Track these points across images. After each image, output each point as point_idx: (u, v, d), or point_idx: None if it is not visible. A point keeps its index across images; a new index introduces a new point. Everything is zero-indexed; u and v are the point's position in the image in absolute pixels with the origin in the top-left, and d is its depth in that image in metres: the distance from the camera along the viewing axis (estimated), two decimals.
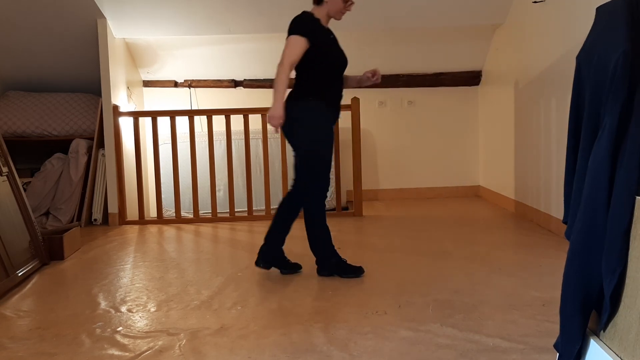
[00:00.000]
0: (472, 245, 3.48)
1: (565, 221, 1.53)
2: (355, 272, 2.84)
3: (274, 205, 3.73)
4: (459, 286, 2.60)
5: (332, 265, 2.86)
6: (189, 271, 3.08)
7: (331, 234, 2.93)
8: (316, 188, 2.80)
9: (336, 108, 2.86)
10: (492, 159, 5.34)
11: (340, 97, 2.89)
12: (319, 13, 2.80)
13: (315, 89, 2.76)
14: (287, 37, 2.73)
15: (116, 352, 1.97)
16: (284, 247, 2.95)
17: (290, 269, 2.93)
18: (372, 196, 5.74)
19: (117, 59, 4.81)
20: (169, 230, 4.38)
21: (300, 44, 2.68)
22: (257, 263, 2.91)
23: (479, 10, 4.64)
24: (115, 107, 4.65)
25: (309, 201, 2.83)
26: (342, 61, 2.87)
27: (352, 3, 2.82)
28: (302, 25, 2.73)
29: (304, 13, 2.80)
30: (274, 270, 2.95)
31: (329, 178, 2.86)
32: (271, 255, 2.91)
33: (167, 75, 5.53)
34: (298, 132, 2.78)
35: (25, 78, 5.09)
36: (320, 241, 2.89)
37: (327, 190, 2.84)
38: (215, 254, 3.51)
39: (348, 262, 2.90)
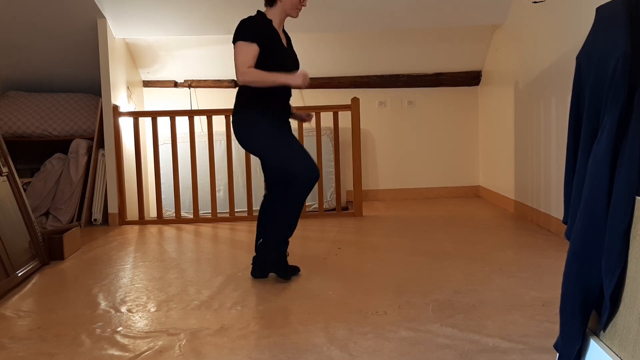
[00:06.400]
0: (472, 245, 3.48)
1: (565, 221, 1.53)
2: (293, 271, 2.80)
3: None
4: (459, 286, 2.60)
5: (267, 264, 2.79)
6: (189, 271, 3.08)
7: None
8: (300, 177, 2.66)
9: (282, 115, 2.77)
10: (492, 159, 5.34)
11: (286, 107, 2.80)
12: (272, 14, 2.71)
13: (256, 99, 2.64)
14: (234, 42, 2.61)
15: (116, 353, 1.97)
16: None
17: (290, 272, 2.92)
18: (372, 196, 5.75)
19: (117, 59, 4.81)
20: (169, 231, 4.38)
21: (250, 48, 2.58)
22: (254, 274, 2.89)
23: (479, 10, 4.64)
24: (115, 107, 4.65)
25: (294, 190, 2.69)
26: (293, 68, 2.78)
27: None
28: (252, 29, 2.62)
29: (257, 14, 2.71)
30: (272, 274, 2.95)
31: (309, 162, 2.68)
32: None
33: (167, 76, 5.53)
34: (251, 142, 2.74)
35: (25, 78, 5.10)
36: (282, 225, 2.75)
37: (317, 171, 2.69)
38: (215, 254, 3.51)
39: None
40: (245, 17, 2.70)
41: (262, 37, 2.64)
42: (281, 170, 2.74)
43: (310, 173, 2.66)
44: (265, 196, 2.93)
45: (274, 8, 2.72)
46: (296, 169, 2.66)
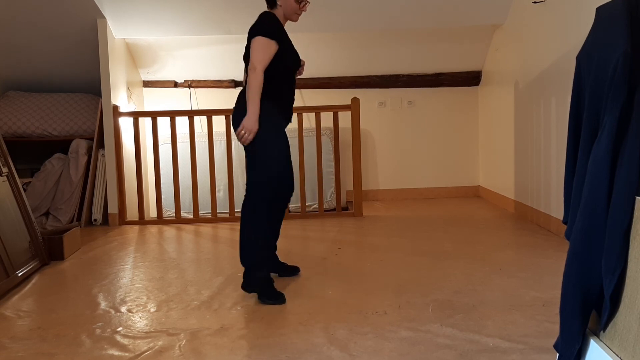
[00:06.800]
0: (472, 245, 3.48)
1: (565, 221, 1.53)
2: (277, 298, 2.51)
3: None
4: (459, 286, 2.60)
5: (256, 280, 2.59)
6: (189, 271, 3.08)
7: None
8: (265, 185, 2.61)
9: (288, 112, 2.78)
10: (492, 159, 5.34)
11: (292, 100, 2.81)
12: (277, 14, 2.73)
13: (270, 91, 2.61)
14: (252, 38, 2.61)
15: (116, 353, 1.97)
16: (279, 252, 2.94)
17: (289, 271, 2.92)
18: (372, 196, 5.75)
19: (117, 59, 4.81)
20: (169, 231, 4.38)
21: (271, 46, 2.59)
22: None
23: (479, 10, 4.64)
24: (115, 108, 4.65)
25: (252, 198, 2.65)
26: (298, 64, 2.81)
27: (307, 3, 2.75)
28: (270, 26, 2.64)
29: (268, 13, 2.72)
30: (273, 274, 2.94)
31: (287, 178, 2.68)
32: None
33: (167, 76, 5.53)
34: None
35: (25, 78, 5.10)
36: (250, 246, 2.64)
37: (286, 192, 2.69)
38: (215, 254, 3.51)
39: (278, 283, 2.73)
40: (259, 15, 2.70)
41: (279, 36, 2.65)
42: (256, 163, 2.65)
43: (287, 188, 2.67)
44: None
45: (275, 10, 2.73)
46: (266, 167, 2.60)
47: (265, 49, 2.58)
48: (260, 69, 2.55)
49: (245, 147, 2.70)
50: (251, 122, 2.53)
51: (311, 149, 4.87)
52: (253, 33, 2.63)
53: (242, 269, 3.04)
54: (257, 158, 2.63)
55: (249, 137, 2.54)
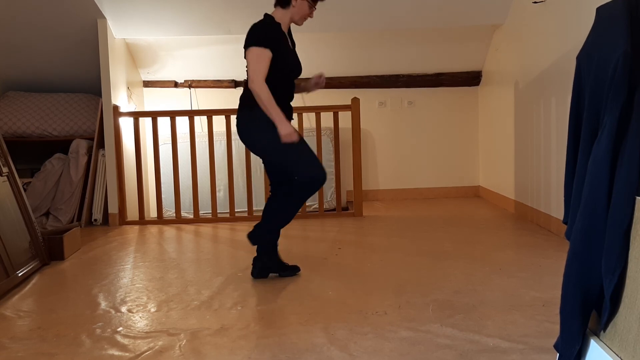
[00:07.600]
0: (472, 245, 3.48)
1: (565, 221, 1.53)
2: (261, 272, 2.85)
3: None
4: (459, 286, 2.60)
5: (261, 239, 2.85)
6: (189, 271, 3.08)
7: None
8: (312, 173, 2.69)
9: (286, 114, 2.76)
10: (492, 159, 5.34)
11: (289, 105, 2.81)
12: (282, 16, 2.72)
13: None
14: (247, 47, 2.63)
15: (116, 353, 1.97)
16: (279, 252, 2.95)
17: (289, 271, 2.92)
18: (372, 196, 5.75)
19: (117, 59, 4.81)
20: (169, 231, 4.38)
21: (265, 54, 2.60)
22: (253, 273, 2.89)
23: (479, 10, 4.64)
24: (116, 108, 4.65)
25: (302, 186, 2.72)
26: (297, 70, 2.81)
27: (315, 8, 2.77)
28: (264, 34, 2.65)
29: (266, 17, 2.72)
30: (273, 274, 2.95)
31: (315, 162, 2.73)
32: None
33: (167, 76, 5.53)
34: (257, 142, 2.75)
35: (25, 78, 5.10)
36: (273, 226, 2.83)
37: (324, 178, 2.72)
38: (215, 254, 3.51)
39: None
40: (256, 21, 2.71)
41: (273, 42, 2.65)
42: (285, 169, 2.75)
43: (317, 173, 2.69)
44: (270, 198, 2.92)
45: (285, 10, 2.72)
46: (301, 170, 2.68)
47: (260, 59, 2.61)
48: (260, 79, 2.59)
49: (263, 158, 2.86)
50: (284, 129, 2.61)
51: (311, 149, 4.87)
52: (246, 44, 2.65)
53: (242, 269, 3.05)
54: (292, 165, 2.72)
55: (293, 138, 2.63)
